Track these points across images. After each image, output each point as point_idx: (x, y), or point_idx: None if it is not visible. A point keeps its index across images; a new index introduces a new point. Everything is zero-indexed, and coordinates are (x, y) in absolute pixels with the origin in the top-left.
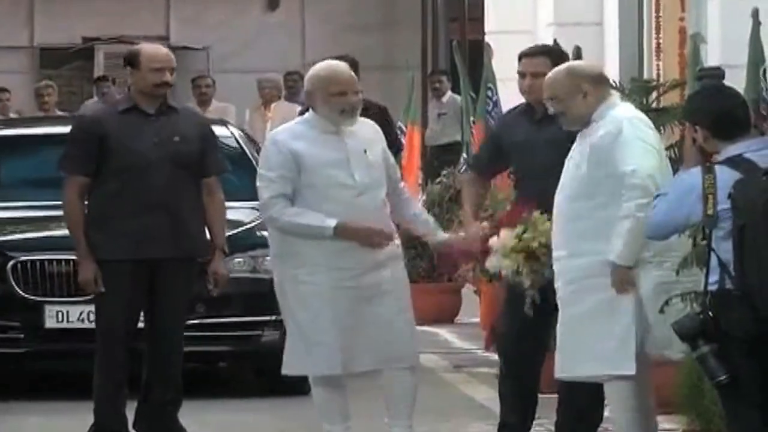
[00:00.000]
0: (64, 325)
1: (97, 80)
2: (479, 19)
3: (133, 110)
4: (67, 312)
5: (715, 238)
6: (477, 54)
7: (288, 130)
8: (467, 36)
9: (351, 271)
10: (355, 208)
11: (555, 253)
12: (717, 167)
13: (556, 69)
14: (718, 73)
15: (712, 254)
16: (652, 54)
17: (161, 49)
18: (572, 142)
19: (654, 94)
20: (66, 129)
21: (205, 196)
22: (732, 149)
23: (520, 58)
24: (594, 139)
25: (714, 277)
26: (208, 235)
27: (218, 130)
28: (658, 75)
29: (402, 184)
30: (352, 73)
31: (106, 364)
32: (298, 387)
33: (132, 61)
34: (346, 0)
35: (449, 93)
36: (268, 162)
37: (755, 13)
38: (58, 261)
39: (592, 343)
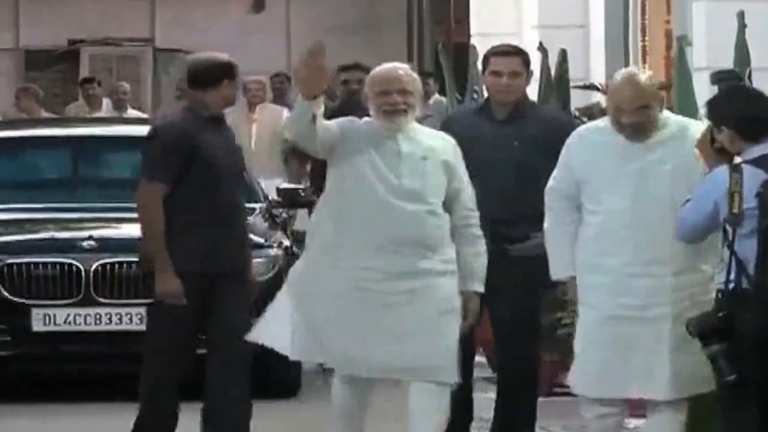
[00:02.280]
0: (52, 328)
1: (82, 82)
2: (464, 22)
3: (211, 120)
4: (54, 315)
5: (738, 237)
6: (462, 56)
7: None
8: (452, 38)
9: (378, 274)
10: (392, 210)
11: (651, 269)
12: (743, 166)
13: (642, 78)
14: (735, 75)
15: (729, 253)
16: (638, 56)
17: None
18: (535, 141)
19: None
20: (52, 131)
21: None
22: (757, 149)
23: (488, 56)
24: (685, 149)
25: (731, 276)
26: None
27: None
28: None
29: (472, 216)
30: (402, 74)
31: (157, 377)
32: (287, 390)
33: (231, 72)
34: (332, 1)
35: (435, 95)
36: None
37: (741, 16)
38: (45, 264)
39: (689, 364)
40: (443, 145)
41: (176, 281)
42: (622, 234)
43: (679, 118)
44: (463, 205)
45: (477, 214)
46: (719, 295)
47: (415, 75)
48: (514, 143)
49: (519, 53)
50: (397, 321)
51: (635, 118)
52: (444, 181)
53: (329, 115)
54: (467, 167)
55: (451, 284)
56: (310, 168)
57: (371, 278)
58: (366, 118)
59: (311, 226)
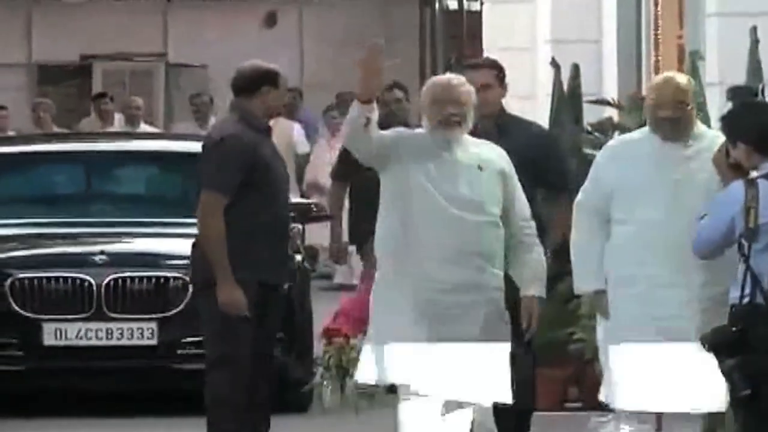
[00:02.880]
0: (63, 342)
1: (95, 97)
2: (478, 37)
3: (264, 131)
4: (66, 329)
5: (753, 252)
6: None
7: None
8: (465, 53)
9: (444, 284)
10: (455, 221)
11: (681, 279)
12: (759, 181)
13: (680, 78)
14: (750, 90)
15: (744, 268)
16: (650, 71)
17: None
18: (516, 155)
19: None
20: (64, 146)
21: None
22: None
23: (462, 70)
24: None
25: (745, 290)
26: None
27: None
28: None
29: (529, 227)
30: (457, 84)
31: (230, 394)
32: (298, 405)
33: (273, 79)
34: (344, 16)
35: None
36: None
37: (753, 31)
38: (57, 278)
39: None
40: (497, 155)
41: (239, 291)
42: (656, 244)
43: (713, 131)
44: (520, 215)
45: (533, 224)
46: (733, 310)
47: (470, 87)
48: None
49: (491, 66)
50: (461, 336)
51: (672, 112)
52: (500, 192)
53: None
54: None
55: (502, 299)
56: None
57: (436, 289)
58: (418, 129)
59: (379, 240)
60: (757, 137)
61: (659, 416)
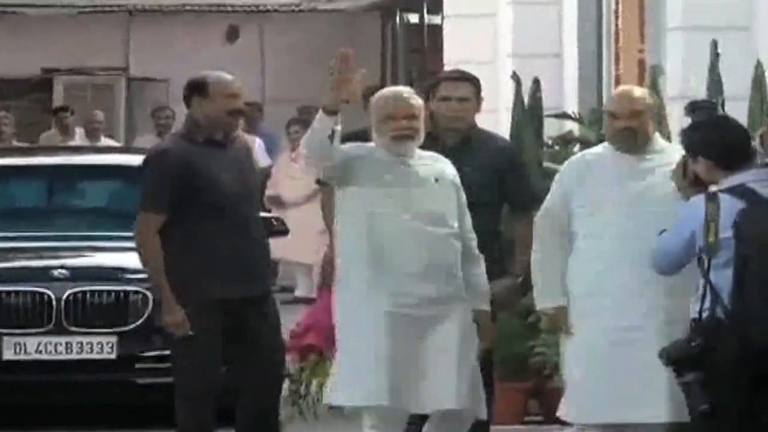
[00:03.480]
0: (22, 356)
1: (56, 111)
2: (439, 50)
3: (209, 143)
4: (25, 343)
5: (714, 267)
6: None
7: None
8: (427, 67)
9: (412, 299)
10: (423, 235)
11: (647, 289)
12: (720, 195)
13: (636, 90)
14: (710, 105)
15: (704, 282)
16: (611, 85)
17: (228, 76)
18: (483, 169)
19: None
20: (25, 160)
21: None
22: (733, 179)
23: (438, 82)
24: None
25: (705, 305)
26: None
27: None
28: None
29: (473, 238)
30: (408, 97)
31: (192, 413)
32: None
33: (199, 88)
34: (306, 32)
35: None
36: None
37: (714, 45)
38: (16, 292)
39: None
40: (447, 167)
41: (179, 311)
42: (618, 257)
43: (673, 145)
44: (466, 226)
45: (475, 235)
46: (693, 324)
47: (420, 99)
48: (465, 170)
49: (469, 79)
50: (432, 350)
51: (627, 122)
52: (454, 203)
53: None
54: None
55: (468, 309)
56: None
57: (407, 304)
58: (369, 144)
59: (344, 256)
60: (719, 152)
61: (622, 429)
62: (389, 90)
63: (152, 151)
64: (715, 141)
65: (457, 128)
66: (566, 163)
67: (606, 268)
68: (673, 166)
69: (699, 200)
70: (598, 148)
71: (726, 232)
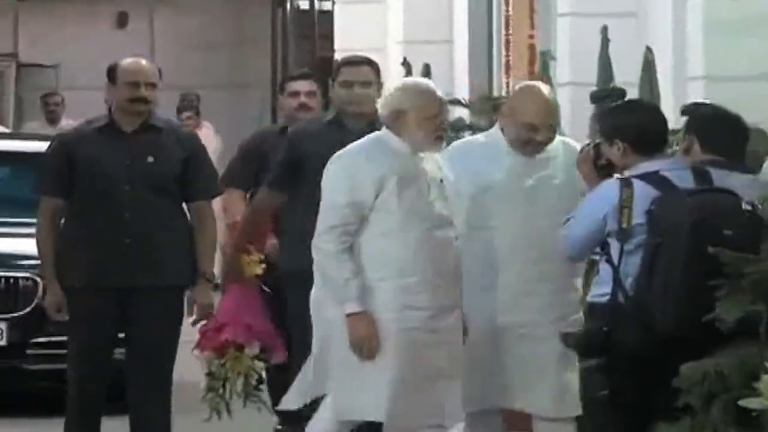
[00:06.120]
0: None
1: None
2: (329, 37)
3: (108, 128)
4: None
5: (624, 253)
6: (328, 71)
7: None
8: (317, 53)
9: (424, 312)
10: (433, 239)
11: (537, 286)
12: (634, 181)
13: (551, 98)
14: (621, 92)
15: (607, 267)
16: (501, 71)
17: (139, 63)
18: None
19: None
20: None
21: (193, 221)
22: (647, 165)
23: (339, 67)
24: (569, 165)
25: (605, 290)
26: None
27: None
28: (508, 92)
29: None
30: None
31: (77, 395)
32: None
33: (109, 75)
34: (196, 18)
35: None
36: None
37: (604, 31)
38: None
39: (573, 382)
40: (442, 165)
41: (54, 294)
42: (513, 251)
43: (561, 136)
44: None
45: None
46: (593, 308)
47: None
48: None
49: (370, 63)
50: (443, 361)
51: (546, 135)
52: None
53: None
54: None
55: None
56: None
57: (422, 317)
58: (363, 141)
59: (373, 271)
60: (637, 136)
61: (529, 420)
62: (426, 84)
63: (54, 136)
64: (633, 124)
65: (363, 113)
66: (451, 148)
67: (499, 263)
68: (564, 156)
69: (612, 184)
70: (482, 137)
71: (639, 218)
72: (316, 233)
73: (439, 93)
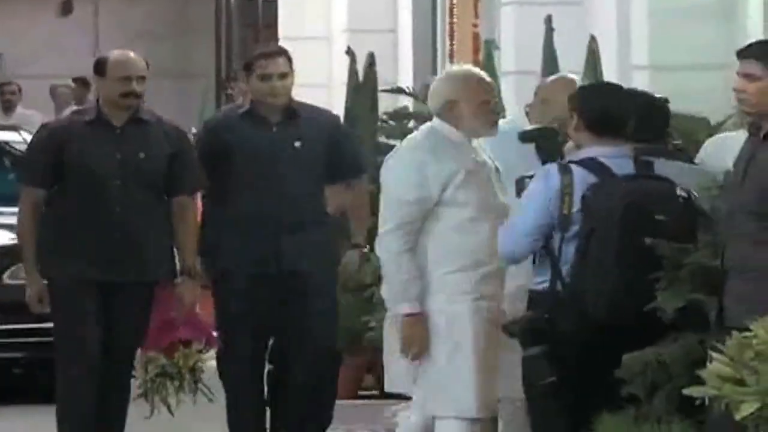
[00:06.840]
0: None
1: None
2: (274, 25)
3: (97, 122)
4: None
5: (563, 240)
6: None
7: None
8: (261, 42)
9: (492, 300)
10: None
11: (525, 282)
12: (573, 167)
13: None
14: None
15: (545, 254)
16: (445, 60)
17: (129, 56)
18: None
19: None
20: None
21: (175, 215)
22: (588, 151)
23: (253, 60)
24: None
25: (544, 277)
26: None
27: (11, 137)
28: None
29: None
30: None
31: (64, 385)
32: None
33: (98, 68)
34: (140, 6)
35: (241, 99)
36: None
37: (548, 20)
38: None
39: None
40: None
41: (35, 286)
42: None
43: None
44: None
45: None
46: (532, 296)
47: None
48: (295, 144)
49: (284, 53)
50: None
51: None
52: None
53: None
54: (245, 176)
55: None
56: None
57: (490, 306)
58: (420, 135)
59: (439, 265)
60: (591, 114)
61: None
62: (471, 70)
63: (41, 126)
64: (595, 105)
65: (280, 105)
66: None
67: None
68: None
69: (552, 171)
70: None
71: (577, 206)
72: (380, 231)
73: (485, 76)
